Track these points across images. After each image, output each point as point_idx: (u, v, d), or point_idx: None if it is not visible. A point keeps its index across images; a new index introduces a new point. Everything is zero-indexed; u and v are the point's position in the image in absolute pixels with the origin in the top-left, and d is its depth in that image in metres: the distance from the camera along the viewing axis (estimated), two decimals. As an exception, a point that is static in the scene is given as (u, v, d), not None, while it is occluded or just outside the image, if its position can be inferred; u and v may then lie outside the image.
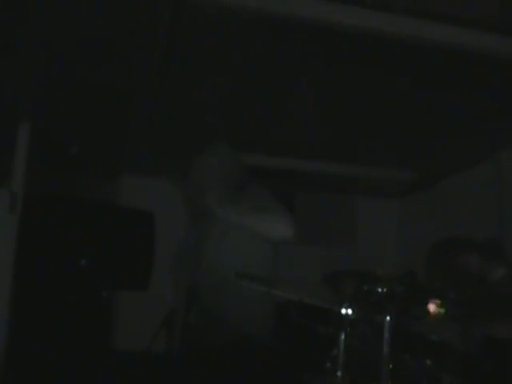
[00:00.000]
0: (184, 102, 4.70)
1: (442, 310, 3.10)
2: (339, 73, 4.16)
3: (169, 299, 5.25)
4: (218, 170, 3.91)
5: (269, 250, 4.06)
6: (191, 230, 4.21)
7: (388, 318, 2.82)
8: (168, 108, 4.78)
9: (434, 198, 6.61)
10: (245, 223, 3.76)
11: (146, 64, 4.01)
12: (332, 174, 6.29)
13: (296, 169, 6.13)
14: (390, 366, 2.99)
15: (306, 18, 3.43)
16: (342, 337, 3.00)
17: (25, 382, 4.42)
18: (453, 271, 3.72)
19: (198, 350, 3.87)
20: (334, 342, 3.06)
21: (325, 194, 6.92)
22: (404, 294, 2.93)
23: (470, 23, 3.50)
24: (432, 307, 3.10)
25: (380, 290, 2.89)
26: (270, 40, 3.69)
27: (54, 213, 5.04)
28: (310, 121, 5.10)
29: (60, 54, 3.90)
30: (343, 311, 2.99)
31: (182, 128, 5.20)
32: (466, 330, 3.62)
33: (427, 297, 3.12)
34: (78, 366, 4.44)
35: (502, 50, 3.70)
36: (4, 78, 4.21)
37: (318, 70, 4.12)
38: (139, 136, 5.40)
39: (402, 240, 7.00)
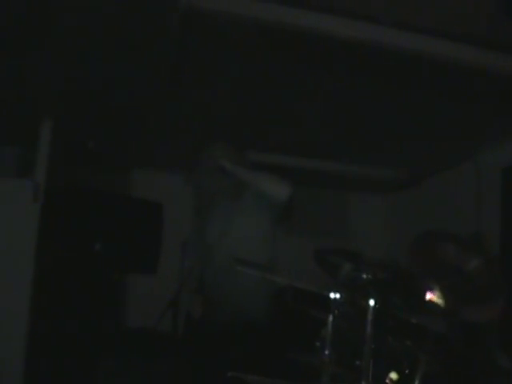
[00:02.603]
0: (192, 103, 4.74)
1: (441, 301, 3.14)
2: (332, 78, 4.20)
3: (175, 283, 5.31)
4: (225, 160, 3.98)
5: (269, 238, 4.11)
6: (198, 221, 4.24)
7: (372, 301, 2.86)
8: (178, 107, 4.81)
9: (419, 195, 6.63)
10: (252, 181, 3.85)
11: (157, 67, 4.04)
12: (325, 172, 6.29)
13: (291, 166, 6.13)
14: (373, 346, 3.03)
15: (303, 29, 3.45)
16: (330, 319, 3.05)
17: (44, 353, 4.45)
18: (432, 261, 3.75)
19: (201, 330, 3.91)
20: (323, 324, 3.10)
21: (318, 189, 6.92)
22: (387, 279, 2.96)
23: (453, 36, 3.53)
24: (431, 297, 3.14)
25: (365, 275, 2.93)
26: (270, 48, 3.73)
27: (72, 202, 5.10)
28: (306, 123, 5.12)
29: (79, 58, 3.94)
30: (331, 295, 3.04)
31: (190, 126, 5.23)
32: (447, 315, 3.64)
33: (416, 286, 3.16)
34: (91, 339, 4.48)
35: (482, 61, 3.72)
36: (30, 78, 4.24)
37: (312, 75, 4.15)
38: (151, 133, 5.42)
39: (389, 233, 7.01)
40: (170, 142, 5.60)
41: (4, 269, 4.53)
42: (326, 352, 3.04)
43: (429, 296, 3.09)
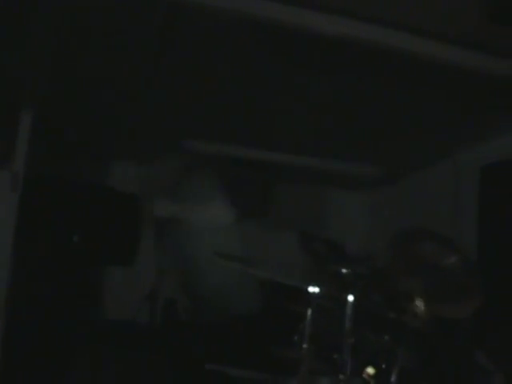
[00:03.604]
0: (174, 96, 4.71)
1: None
2: (313, 75, 4.21)
3: (152, 276, 5.32)
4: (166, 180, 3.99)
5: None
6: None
7: (351, 296, 2.90)
8: (160, 101, 4.80)
9: (397, 193, 6.68)
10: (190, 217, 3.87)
11: (140, 60, 4.04)
12: (305, 168, 6.31)
13: (271, 161, 6.15)
14: (352, 340, 3.06)
15: (287, 24, 3.46)
16: (309, 312, 3.07)
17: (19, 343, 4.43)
18: (410, 258, 3.79)
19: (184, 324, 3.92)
20: (303, 318, 3.13)
21: (297, 185, 6.93)
22: (366, 275, 3.00)
23: (434, 35, 3.56)
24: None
25: (344, 270, 2.96)
26: (254, 44, 3.74)
27: (50, 193, 5.07)
28: (287, 119, 5.13)
29: (61, 47, 3.92)
30: (310, 289, 3.06)
31: (171, 119, 5.22)
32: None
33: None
34: (68, 332, 4.47)
35: (462, 61, 3.76)
36: (10, 66, 4.22)
37: (292, 72, 4.16)
38: (131, 125, 5.41)
39: (368, 231, 7.04)
40: (151, 134, 5.59)
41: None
42: (304, 346, 3.08)
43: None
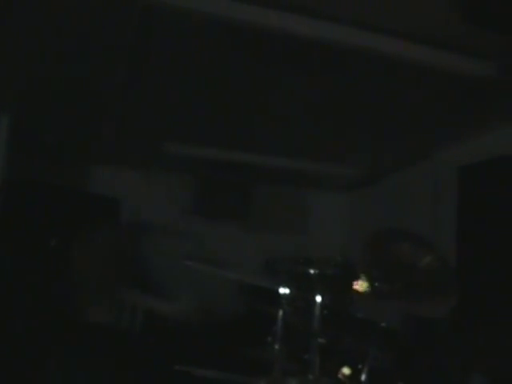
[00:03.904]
0: (151, 99, 4.72)
1: (367, 287, 3.18)
2: (292, 75, 4.22)
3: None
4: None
5: None
6: None
7: (319, 296, 2.91)
8: (137, 105, 4.81)
9: (377, 194, 6.70)
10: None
11: (117, 64, 4.04)
12: (286, 169, 6.32)
13: (251, 163, 6.16)
14: (324, 340, 3.07)
15: (261, 26, 3.47)
16: (280, 314, 3.09)
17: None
18: (387, 258, 3.81)
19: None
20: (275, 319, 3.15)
21: (278, 187, 6.95)
22: (336, 275, 3.01)
23: (412, 36, 3.58)
24: (358, 285, 3.19)
25: (312, 271, 2.97)
26: (228, 45, 3.75)
27: (28, 197, 5.06)
28: (266, 121, 5.15)
29: (37, 51, 3.91)
30: (281, 290, 3.08)
31: (148, 121, 5.21)
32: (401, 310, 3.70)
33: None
34: (41, 331, 4.48)
35: (439, 61, 3.78)
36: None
37: (270, 72, 4.17)
38: (110, 129, 5.41)
39: (348, 231, 7.06)
40: (129, 138, 5.59)
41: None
42: (277, 347, 3.09)
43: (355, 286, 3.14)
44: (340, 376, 3.26)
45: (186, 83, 4.44)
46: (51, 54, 3.97)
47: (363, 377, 3.10)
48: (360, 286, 3.20)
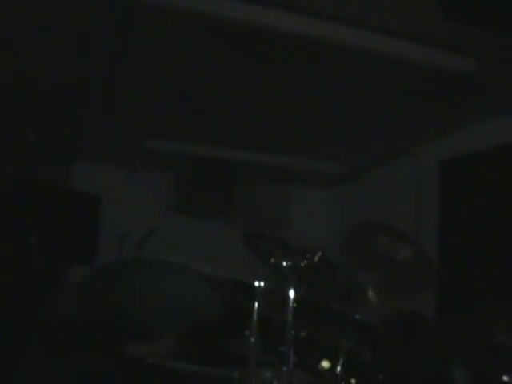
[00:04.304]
0: (132, 93, 4.72)
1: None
2: (273, 72, 4.23)
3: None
4: None
5: None
6: None
7: (292, 289, 2.92)
8: (119, 100, 4.81)
9: (359, 188, 6.72)
10: None
11: (98, 58, 4.04)
12: (268, 165, 6.34)
13: (233, 159, 6.17)
14: (299, 332, 3.09)
15: (242, 21, 3.48)
16: (256, 307, 3.11)
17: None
18: (365, 251, 3.83)
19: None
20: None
21: (260, 182, 6.96)
22: (309, 268, 3.01)
23: (395, 33, 3.60)
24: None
25: (285, 263, 2.98)
26: (208, 41, 3.75)
27: (7, 193, 5.05)
28: (248, 115, 5.15)
29: (17, 45, 3.91)
30: (256, 283, 3.09)
31: (131, 118, 5.22)
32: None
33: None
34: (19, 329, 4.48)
35: (422, 57, 3.80)
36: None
37: (252, 68, 4.19)
38: (92, 125, 5.41)
39: (330, 226, 7.08)
40: (111, 134, 5.60)
41: None
42: (252, 339, 3.11)
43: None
44: (320, 369, 3.28)
45: (170, 79, 4.45)
46: (32, 50, 3.97)
47: (338, 369, 3.12)
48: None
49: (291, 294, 2.92)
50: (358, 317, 3.31)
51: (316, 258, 2.98)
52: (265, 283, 3.08)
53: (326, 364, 3.30)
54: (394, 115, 4.97)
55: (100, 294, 4.32)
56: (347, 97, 4.65)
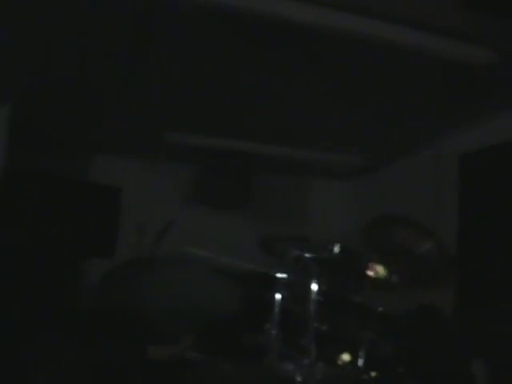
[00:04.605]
0: (152, 86, 4.71)
1: (383, 274, 3.19)
2: (294, 64, 4.21)
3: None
4: None
5: None
6: None
7: (315, 281, 2.92)
8: (139, 92, 4.81)
9: (378, 182, 6.69)
10: None
11: (116, 50, 4.04)
12: (287, 157, 6.32)
13: (252, 152, 6.16)
14: (320, 325, 3.09)
15: (265, 13, 3.46)
16: (277, 299, 3.10)
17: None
18: (385, 244, 3.82)
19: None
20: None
21: (278, 175, 6.95)
22: (333, 260, 3.01)
23: (415, 24, 3.56)
24: (374, 271, 3.19)
25: (307, 255, 2.98)
26: (229, 33, 3.74)
27: (28, 186, 5.09)
28: (268, 108, 5.14)
29: (38, 39, 3.91)
30: (278, 275, 3.09)
31: (150, 110, 5.22)
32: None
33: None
34: (46, 324, 4.50)
35: (442, 49, 3.77)
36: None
37: (273, 61, 4.16)
38: (111, 118, 5.42)
39: (349, 219, 7.05)
40: (131, 126, 5.60)
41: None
42: (273, 332, 3.11)
43: (370, 272, 3.14)
44: (340, 362, 3.28)
45: (188, 72, 4.44)
46: (51, 42, 3.97)
47: (360, 362, 3.12)
48: (376, 271, 3.21)
49: (313, 286, 2.92)
50: (380, 309, 3.30)
51: (337, 250, 2.97)
52: (287, 275, 3.08)
53: (346, 357, 3.30)
54: (414, 108, 4.94)
55: (117, 294, 4.34)
56: (367, 89, 4.62)
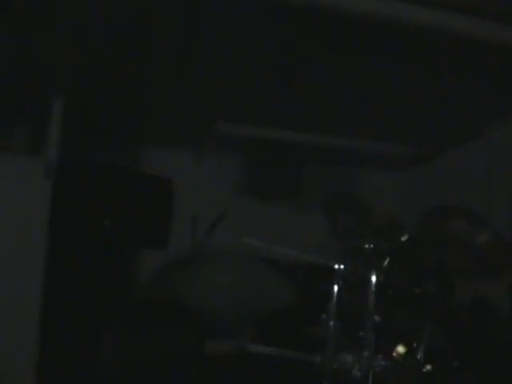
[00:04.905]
0: (202, 76, 4.72)
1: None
2: (343, 53, 4.18)
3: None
4: None
5: None
6: None
7: (374, 271, 2.89)
8: (190, 83, 4.82)
9: (431, 172, 6.62)
10: None
11: (169, 40, 4.05)
12: (337, 148, 6.30)
13: (303, 142, 6.15)
14: (379, 318, 3.06)
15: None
16: (335, 290, 3.08)
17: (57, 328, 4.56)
18: (442, 236, 3.77)
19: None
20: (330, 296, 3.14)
21: (330, 166, 6.92)
22: (391, 250, 2.98)
23: (467, 9, 3.51)
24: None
25: (367, 246, 2.95)
26: (279, 22, 3.72)
27: (82, 178, 5.15)
28: (318, 98, 5.12)
29: (91, 30, 3.94)
30: (336, 266, 3.07)
31: (201, 101, 5.23)
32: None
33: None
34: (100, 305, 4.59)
35: (496, 35, 3.70)
36: (42, 52, 4.27)
37: (322, 50, 4.13)
38: (163, 109, 5.45)
39: (401, 210, 6.99)
40: (182, 118, 5.63)
41: (16, 247, 4.59)
42: (331, 323, 3.09)
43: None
44: (395, 354, 3.25)
45: (238, 62, 4.44)
46: (103, 33, 4.00)
47: (419, 355, 3.09)
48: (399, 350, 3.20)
49: (374, 276, 2.89)
50: (439, 299, 3.27)
51: (404, 239, 2.94)
52: (345, 266, 3.06)
53: (401, 349, 3.27)
54: (467, 98, 4.86)
55: (172, 287, 4.36)
56: (419, 79, 4.57)
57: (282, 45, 4.11)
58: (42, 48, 4.21)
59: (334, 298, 3.09)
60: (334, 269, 3.08)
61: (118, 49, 4.23)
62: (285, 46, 4.12)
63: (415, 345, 3.23)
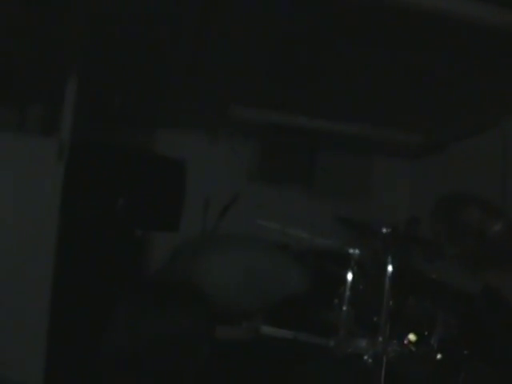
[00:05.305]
0: (218, 61, 4.71)
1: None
2: (360, 41, 4.15)
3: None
4: None
5: None
6: None
7: (390, 256, 2.87)
8: (204, 66, 4.81)
9: (444, 161, 6.59)
10: None
11: (181, 23, 4.03)
12: (351, 135, 6.28)
13: (316, 128, 6.13)
14: (392, 304, 3.05)
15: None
16: (349, 275, 3.07)
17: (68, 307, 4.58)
18: (454, 224, 3.75)
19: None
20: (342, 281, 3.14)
21: (343, 153, 6.91)
22: (407, 235, 2.97)
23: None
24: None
25: (384, 230, 2.94)
26: (291, 6, 3.70)
27: (95, 159, 5.15)
28: (333, 85, 5.09)
29: (105, 12, 3.93)
30: (350, 251, 3.06)
31: (214, 85, 5.22)
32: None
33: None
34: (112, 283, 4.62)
35: (504, 24, 3.67)
36: (55, 33, 4.26)
37: (338, 37, 4.11)
38: (176, 91, 5.44)
39: (414, 199, 6.99)
40: (195, 101, 5.62)
41: (29, 227, 4.60)
42: (344, 308, 3.09)
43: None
44: (406, 342, 3.24)
45: (252, 46, 4.42)
46: (117, 14, 3.98)
47: (433, 341, 3.08)
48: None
49: (389, 260, 2.88)
50: (456, 286, 3.25)
51: (415, 225, 2.93)
52: (360, 251, 3.05)
53: (412, 337, 3.26)
54: (481, 87, 4.83)
55: (185, 270, 4.36)
56: (434, 68, 4.54)
57: (297, 29, 4.08)
58: (57, 28, 4.20)
59: (348, 283, 3.08)
60: (348, 253, 3.07)
61: (132, 30, 4.21)
62: (300, 31, 4.10)
63: (426, 333, 3.22)
